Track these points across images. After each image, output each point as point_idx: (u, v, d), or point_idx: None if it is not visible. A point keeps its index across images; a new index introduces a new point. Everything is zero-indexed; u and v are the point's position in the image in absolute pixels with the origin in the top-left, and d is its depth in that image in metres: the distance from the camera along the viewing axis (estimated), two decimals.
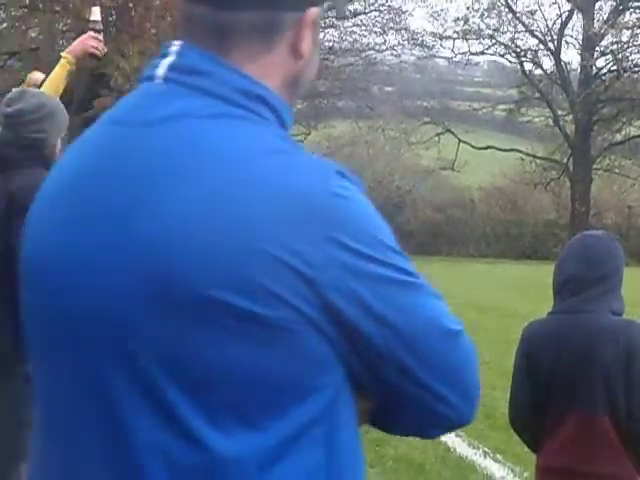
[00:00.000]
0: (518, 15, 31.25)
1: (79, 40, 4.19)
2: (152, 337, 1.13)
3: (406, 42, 31.84)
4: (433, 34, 32.10)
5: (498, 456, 6.01)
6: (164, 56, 1.27)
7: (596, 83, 30.63)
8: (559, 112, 31.48)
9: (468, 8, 31.71)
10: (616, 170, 32.48)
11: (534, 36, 31.63)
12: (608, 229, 21.31)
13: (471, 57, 33.47)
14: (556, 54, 31.46)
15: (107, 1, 12.06)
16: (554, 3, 31.43)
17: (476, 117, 37.48)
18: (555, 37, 31.54)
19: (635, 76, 30.16)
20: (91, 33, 4.14)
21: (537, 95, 32.32)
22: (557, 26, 31.58)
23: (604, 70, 31.14)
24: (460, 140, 32.45)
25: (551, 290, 2.88)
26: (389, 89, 35.59)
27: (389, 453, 5.87)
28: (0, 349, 3.55)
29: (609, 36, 30.01)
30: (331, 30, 27.88)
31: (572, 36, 32.19)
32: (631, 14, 30.54)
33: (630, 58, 30.26)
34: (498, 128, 41.88)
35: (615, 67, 30.16)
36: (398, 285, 1.19)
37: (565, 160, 31.61)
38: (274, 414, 1.14)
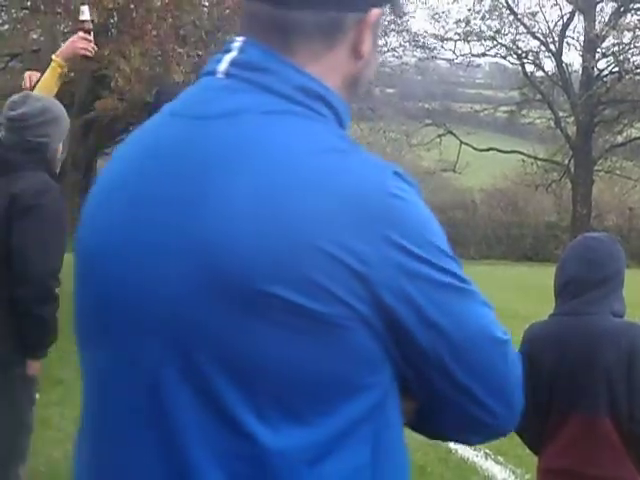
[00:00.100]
0: (519, 17, 31.25)
1: (69, 42, 4.18)
2: (206, 331, 1.14)
3: (407, 44, 31.89)
4: (434, 36, 32.12)
5: (500, 458, 6.01)
6: (227, 51, 1.28)
7: (597, 85, 30.60)
8: (560, 114, 31.46)
9: (469, 10, 31.71)
10: (617, 172, 32.46)
11: (535, 38, 31.63)
12: (609, 231, 21.31)
13: (472, 59, 33.47)
14: (557, 56, 31.45)
15: (108, 2, 12.03)
16: (555, 5, 31.45)
17: (477, 119, 37.50)
18: (556, 39, 31.53)
19: (637, 78, 30.12)
20: (80, 34, 4.11)
21: (538, 97, 32.30)
22: (558, 28, 31.58)
23: (605, 72, 31.11)
24: (461, 142, 32.43)
25: (552, 292, 2.88)
26: (390, 91, 35.57)
27: None
28: None
29: (610, 38, 30.00)
30: None
31: (573, 38, 32.31)
32: (632, 16, 30.54)
33: (631, 60, 30.22)
34: (499, 130, 41.90)
35: (616, 69, 30.12)
36: (450, 290, 1.20)
37: (566, 162, 31.59)
38: (323, 410, 1.15)
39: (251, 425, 1.13)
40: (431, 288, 1.17)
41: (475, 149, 32.48)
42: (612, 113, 31.18)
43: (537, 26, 31.59)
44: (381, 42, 30.53)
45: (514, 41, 31.93)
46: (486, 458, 6.04)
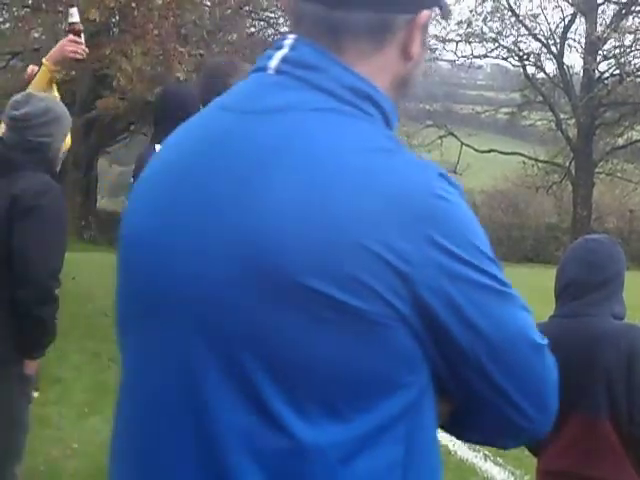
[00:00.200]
0: (521, 19, 31.25)
1: (58, 45, 4.15)
2: (246, 323, 1.15)
3: None
4: (436, 37, 32.06)
5: (499, 459, 6.00)
6: (278, 48, 1.29)
7: (599, 87, 30.60)
8: (561, 116, 31.47)
9: (471, 11, 31.71)
10: (618, 174, 32.49)
11: (537, 40, 31.63)
12: (610, 233, 21.29)
13: (474, 60, 33.43)
14: (559, 58, 31.46)
15: (110, 1, 12.04)
16: (557, 7, 31.64)
17: (479, 120, 37.49)
18: (558, 41, 31.54)
19: (638, 80, 30.11)
20: (70, 37, 4.08)
21: (540, 98, 32.31)
22: (560, 30, 31.59)
23: (607, 74, 31.12)
24: (463, 143, 32.43)
25: (553, 294, 2.87)
26: None
27: None
28: None
29: (612, 40, 30.00)
30: None
31: (575, 40, 32.30)
32: (634, 18, 30.54)
33: (633, 62, 30.25)
34: (500, 131, 41.91)
35: (618, 71, 30.12)
36: (491, 292, 1.20)
37: (567, 164, 31.60)
38: (361, 407, 1.16)
39: (289, 419, 1.14)
40: (471, 289, 1.18)
41: (476, 150, 32.48)
42: (613, 115, 31.19)
43: (539, 28, 31.64)
44: None
45: (515, 43, 31.95)
46: (485, 459, 6.04)
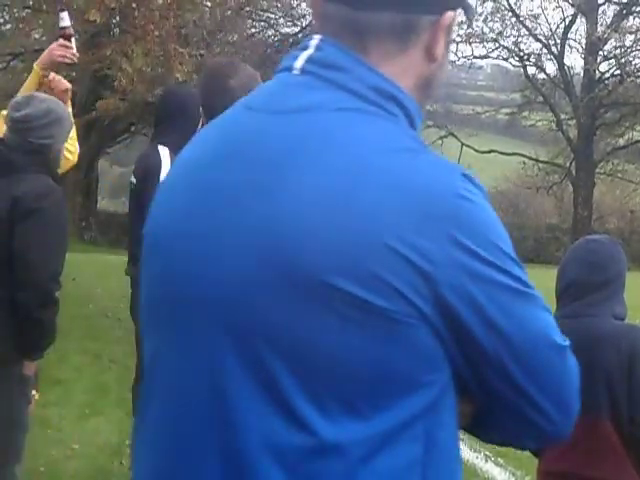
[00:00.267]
0: (521, 19, 31.25)
1: (48, 49, 4.13)
2: (269, 321, 1.16)
3: None
4: None
5: (500, 460, 6.00)
6: (303, 48, 1.30)
7: (599, 87, 30.60)
8: (562, 116, 31.47)
9: None
10: (619, 175, 32.49)
11: (537, 40, 31.62)
12: (610, 233, 21.27)
13: (474, 61, 33.38)
14: (559, 58, 31.45)
15: (110, 2, 12.04)
16: (557, 7, 31.55)
17: (479, 121, 37.46)
18: (558, 41, 31.53)
19: (638, 81, 30.11)
20: (60, 41, 4.07)
21: (540, 99, 32.30)
22: (560, 30, 31.59)
23: (607, 74, 31.12)
24: (463, 144, 32.42)
25: (553, 294, 2.87)
26: None
27: None
28: None
29: (612, 40, 30.00)
30: None
31: (575, 40, 32.31)
32: (634, 18, 30.54)
33: (633, 63, 30.24)
34: (501, 132, 41.89)
35: (618, 71, 30.12)
36: (513, 293, 1.21)
37: (568, 164, 31.59)
38: (381, 405, 1.16)
39: (311, 417, 1.15)
40: (493, 289, 1.19)
41: (476, 151, 32.47)
42: (614, 116, 31.18)
43: (539, 28, 31.63)
44: None
45: (516, 43, 31.94)
46: (486, 460, 6.03)
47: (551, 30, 31.71)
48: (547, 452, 2.80)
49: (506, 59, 32.98)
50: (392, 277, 1.12)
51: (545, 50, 31.81)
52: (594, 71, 30.31)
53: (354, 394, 1.16)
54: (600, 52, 30.47)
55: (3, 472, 3.58)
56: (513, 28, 31.67)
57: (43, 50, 4.14)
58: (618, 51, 30.15)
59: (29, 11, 17.42)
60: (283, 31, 26.31)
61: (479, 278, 1.17)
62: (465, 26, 31.05)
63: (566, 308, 2.80)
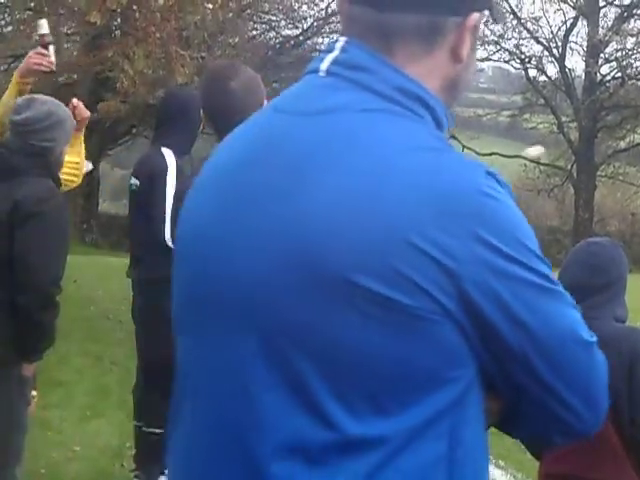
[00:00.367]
0: (523, 21, 31.22)
1: (26, 57, 4.12)
2: (294, 321, 1.17)
3: None
4: None
5: (501, 462, 5.99)
6: (329, 51, 1.32)
7: (600, 90, 30.56)
8: (563, 119, 31.43)
9: None
10: (620, 177, 32.43)
11: (539, 42, 31.59)
12: (612, 236, 21.28)
13: (476, 63, 33.41)
14: (560, 60, 31.42)
15: (111, 3, 12.04)
16: (559, 10, 31.37)
17: (480, 123, 37.44)
18: (560, 44, 31.49)
19: (639, 83, 30.10)
20: (38, 49, 4.06)
21: (541, 101, 32.27)
22: (562, 33, 31.54)
23: (608, 77, 31.07)
24: (464, 146, 32.34)
25: None
26: None
27: None
28: None
29: (614, 43, 29.96)
30: (335, 35, 27.98)
31: (577, 43, 32.19)
32: (636, 21, 30.47)
33: (634, 65, 30.19)
34: (502, 134, 41.87)
35: (619, 74, 30.09)
36: (538, 290, 1.21)
37: (569, 167, 31.55)
38: (406, 401, 1.17)
39: (337, 415, 1.16)
40: (518, 286, 1.19)
41: (478, 154, 32.38)
42: (615, 118, 31.13)
43: (540, 31, 31.57)
44: None
45: (517, 46, 31.90)
46: None
47: (552, 33, 31.69)
48: (547, 454, 2.80)
49: (507, 61, 32.96)
50: (413, 273, 1.13)
51: (546, 52, 31.79)
52: (595, 74, 30.28)
53: (379, 391, 1.16)
54: (601, 55, 30.44)
55: (3, 474, 3.58)
56: (514, 31, 31.65)
57: None
58: (619, 54, 30.12)
59: (30, 13, 17.42)
60: (284, 33, 26.33)
61: (503, 275, 1.18)
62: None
63: None
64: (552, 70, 32.47)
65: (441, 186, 1.17)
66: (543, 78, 32.58)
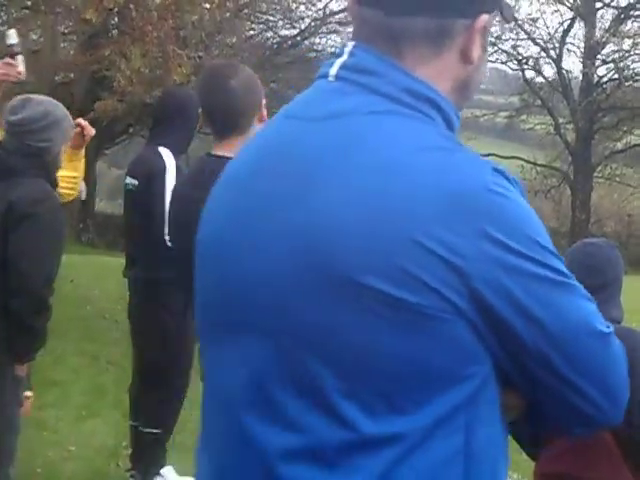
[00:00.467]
0: (520, 23, 31.20)
1: None
2: (306, 323, 1.19)
3: None
4: None
5: None
6: (338, 55, 1.33)
7: (597, 91, 30.59)
8: (560, 120, 31.44)
9: None
10: (617, 178, 32.45)
11: (536, 44, 31.60)
12: (608, 237, 21.29)
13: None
14: (558, 62, 31.44)
15: (108, 2, 12.01)
16: (556, 11, 31.40)
17: (477, 124, 37.46)
18: (557, 45, 31.51)
19: (636, 85, 30.12)
20: (6, 59, 4.04)
21: (538, 102, 32.28)
22: (559, 34, 31.55)
23: (605, 78, 31.09)
24: None
25: None
26: None
27: None
28: None
29: (611, 44, 30.00)
30: (333, 36, 28.06)
31: (574, 44, 32.19)
32: (632, 23, 30.53)
33: (631, 67, 30.23)
34: (499, 135, 41.88)
35: (616, 76, 30.12)
36: (551, 284, 1.22)
37: (566, 168, 31.58)
38: (420, 400, 1.18)
39: (353, 414, 1.17)
40: (529, 281, 1.20)
41: None
42: (612, 120, 31.16)
43: (537, 32, 31.58)
44: None
45: (514, 47, 31.91)
46: None
47: (549, 34, 31.69)
48: (543, 454, 2.80)
49: (504, 63, 32.98)
50: (422, 272, 1.14)
51: (543, 54, 31.81)
52: (592, 75, 30.30)
53: (393, 390, 1.17)
54: (598, 56, 30.46)
55: None
56: (511, 32, 31.65)
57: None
58: (616, 55, 30.14)
59: (27, 11, 17.40)
60: (282, 33, 26.31)
61: (514, 271, 1.18)
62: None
63: None
64: (549, 71, 32.52)
65: (448, 185, 1.17)
66: (540, 79, 32.63)
